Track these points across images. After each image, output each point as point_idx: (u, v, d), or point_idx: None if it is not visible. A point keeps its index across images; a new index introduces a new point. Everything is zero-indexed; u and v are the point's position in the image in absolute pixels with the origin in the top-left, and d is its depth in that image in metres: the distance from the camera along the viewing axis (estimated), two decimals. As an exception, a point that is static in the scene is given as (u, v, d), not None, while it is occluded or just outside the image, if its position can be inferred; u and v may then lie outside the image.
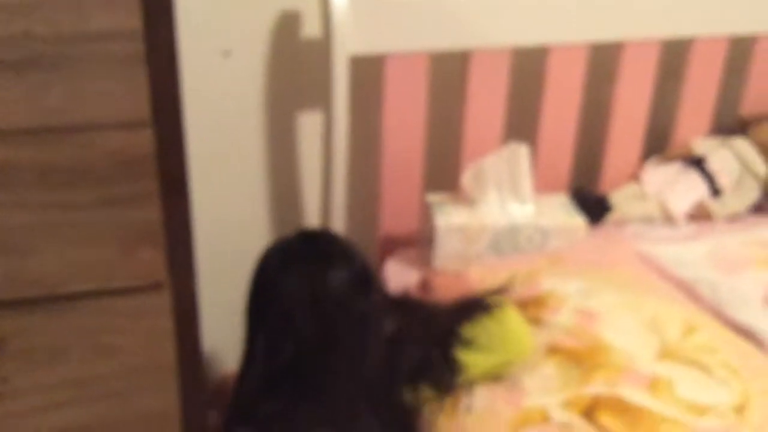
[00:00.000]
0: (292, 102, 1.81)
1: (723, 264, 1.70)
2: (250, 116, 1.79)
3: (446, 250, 1.70)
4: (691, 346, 1.44)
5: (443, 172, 1.87)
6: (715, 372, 1.39)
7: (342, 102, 1.65)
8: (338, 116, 1.66)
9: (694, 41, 1.90)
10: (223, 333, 1.51)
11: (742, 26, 1.91)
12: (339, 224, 1.77)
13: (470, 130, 1.81)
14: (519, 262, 1.68)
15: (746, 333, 1.55)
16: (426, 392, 1.35)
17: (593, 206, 1.85)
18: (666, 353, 1.42)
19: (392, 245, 1.84)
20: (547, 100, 1.85)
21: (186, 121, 1.10)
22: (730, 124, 2.05)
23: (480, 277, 1.61)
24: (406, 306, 1.47)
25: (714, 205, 1.92)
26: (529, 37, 1.77)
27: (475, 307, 1.42)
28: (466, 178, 1.73)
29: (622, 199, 1.91)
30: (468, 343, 1.37)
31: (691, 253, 1.74)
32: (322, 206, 1.82)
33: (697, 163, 1.95)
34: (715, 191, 1.93)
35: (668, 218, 1.90)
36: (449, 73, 1.79)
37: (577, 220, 1.75)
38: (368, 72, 1.74)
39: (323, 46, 1.63)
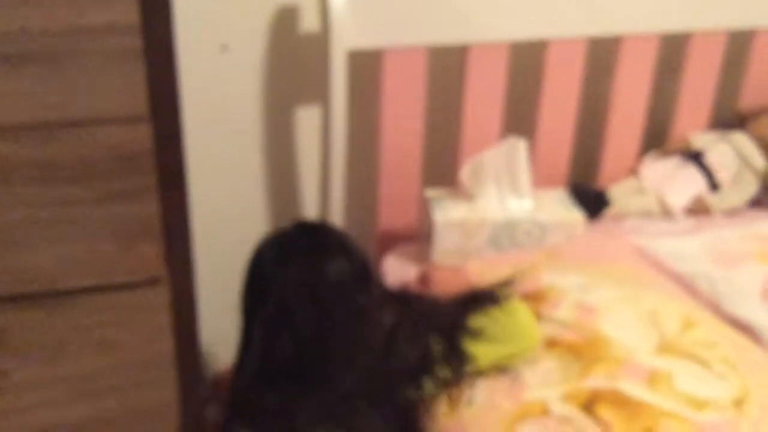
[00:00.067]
0: (290, 97, 1.81)
1: (721, 258, 1.70)
2: (248, 111, 1.79)
3: (445, 245, 1.70)
4: (690, 341, 1.45)
5: (441, 166, 1.87)
6: (714, 366, 1.40)
7: (340, 96, 1.65)
8: (336, 111, 1.66)
9: (693, 35, 1.90)
10: (222, 327, 1.51)
11: (741, 20, 1.91)
12: (337, 219, 1.77)
13: (468, 124, 1.81)
14: (517, 256, 1.68)
15: (744, 327, 1.55)
16: (427, 386, 1.35)
17: (591, 201, 1.85)
18: (665, 347, 1.43)
19: (390, 240, 1.84)
20: (546, 95, 1.84)
21: (184, 116, 1.10)
22: (728, 118, 2.05)
23: (478, 272, 1.61)
24: (405, 299, 1.46)
25: (712, 200, 1.93)
26: (528, 31, 1.76)
27: (483, 298, 1.42)
28: (465, 173, 1.73)
29: (620, 193, 1.91)
30: (476, 335, 1.36)
31: (689, 248, 1.74)
32: (321, 201, 1.82)
33: (696, 157, 1.95)
34: (714, 185, 1.94)
35: (666, 212, 1.90)
36: (447, 67, 1.79)
37: (576, 215, 1.75)
38: (366, 66, 1.74)
39: (321, 41, 1.63)
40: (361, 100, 1.78)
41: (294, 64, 1.77)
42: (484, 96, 1.79)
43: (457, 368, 1.35)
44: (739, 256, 1.71)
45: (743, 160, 1.96)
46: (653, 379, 1.35)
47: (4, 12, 0.96)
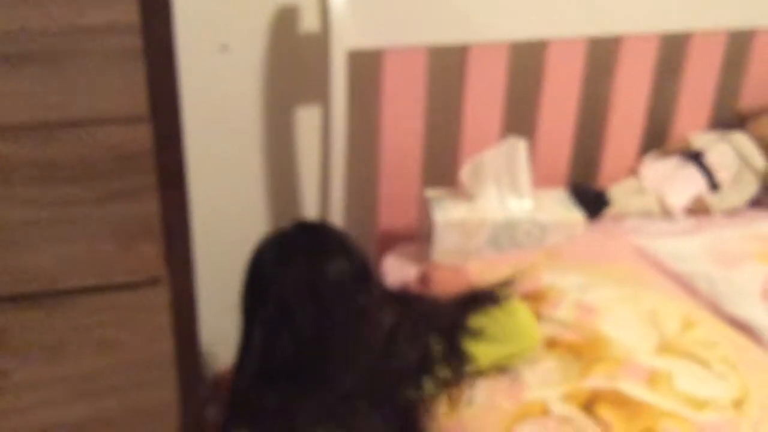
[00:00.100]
0: (290, 97, 1.81)
1: (721, 258, 1.70)
2: (248, 111, 1.79)
3: (445, 245, 1.70)
4: (690, 341, 1.45)
5: (441, 166, 1.87)
6: (714, 366, 1.40)
7: (340, 97, 1.65)
8: (336, 111, 1.66)
9: (693, 35, 1.90)
10: (222, 327, 1.51)
11: (741, 20, 1.91)
12: (337, 219, 1.77)
13: (468, 124, 1.81)
14: (517, 256, 1.68)
15: (744, 327, 1.55)
16: (427, 386, 1.34)
17: (591, 201, 1.85)
18: (665, 347, 1.42)
19: (390, 240, 1.84)
20: (546, 95, 1.84)
21: (184, 116, 1.10)
22: (728, 118, 2.05)
23: (478, 272, 1.61)
24: (405, 299, 1.46)
25: (712, 200, 1.93)
26: (528, 31, 1.76)
27: (483, 298, 1.42)
28: (465, 173, 1.72)
29: (620, 193, 1.91)
30: (476, 334, 1.36)
31: (689, 248, 1.74)
32: (321, 201, 1.82)
33: (696, 157, 1.95)
34: (714, 185, 1.94)
35: (666, 212, 1.90)
36: (447, 67, 1.79)
37: (576, 215, 1.75)
38: (366, 66, 1.73)
39: (321, 41, 1.63)
40: (361, 100, 1.78)
41: (294, 64, 1.77)
42: (484, 96, 1.79)
43: (457, 368, 1.35)
44: (739, 256, 1.71)
45: (743, 160, 1.96)
46: (653, 379, 1.35)
47: (3, 12, 0.96)
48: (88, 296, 1.12)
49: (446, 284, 1.59)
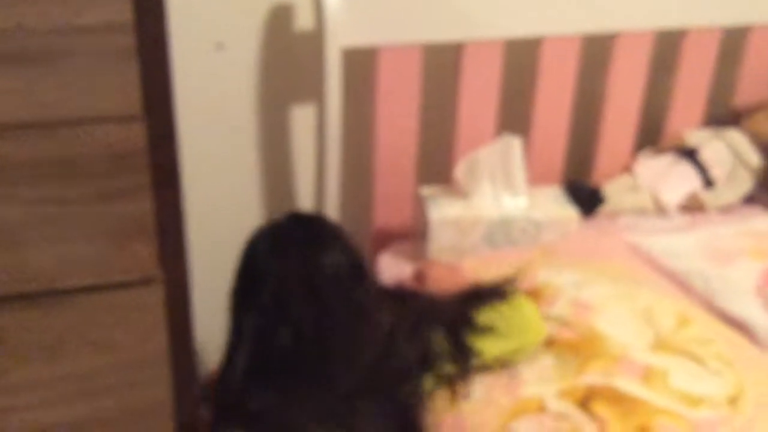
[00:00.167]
0: (285, 95, 1.81)
1: (715, 255, 1.71)
2: (242, 109, 1.78)
3: (440, 243, 1.70)
4: (685, 338, 1.45)
5: (436, 164, 1.87)
6: (709, 363, 1.40)
7: (335, 95, 1.65)
8: (331, 109, 1.66)
9: (687, 32, 1.91)
10: (216, 326, 1.51)
11: (735, 17, 1.91)
12: (332, 217, 1.76)
13: (463, 122, 1.81)
14: (512, 254, 1.68)
15: (739, 324, 1.56)
16: (428, 383, 1.34)
17: (586, 198, 1.85)
18: (660, 344, 1.43)
19: (386, 238, 1.84)
20: (541, 92, 1.84)
21: (178, 115, 1.09)
22: (723, 115, 2.05)
23: (474, 269, 1.61)
24: (401, 297, 1.46)
25: (707, 196, 1.93)
26: (522, 28, 1.76)
27: (488, 293, 1.42)
28: (460, 171, 1.73)
29: (615, 190, 1.91)
30: (483, 329, 1.36)
31: (683, 245, 1.75)
32: (316, 199, 1.82)
33: (690, 154, 1.95)
34: (708, 182, 1.94)
35: (661, 209, 1.91)
36: (442, 65, 1.79)
37: (570, 212, 1.75)
38: (361, 64, 1.73)
39: (316, 39, 1.63)
40: (355, 98, 1.78)
41: (289, 62, 1.77)
42: (479, 94, 1.79)
43: (463, 363, 1.35)
44: (733, 253, 1.71)
45: (737, 157, 1.96)
46: (648, 376, 1.36)
47: (0, 10, 0.96)
48: (84, 296, 1.12)
49: (442, 282, 1.59)
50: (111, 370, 1.17)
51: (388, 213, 1.84)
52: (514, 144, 1.70)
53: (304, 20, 1.73)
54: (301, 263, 1.28)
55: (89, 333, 1.14)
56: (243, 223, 1.84)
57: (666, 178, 1.92)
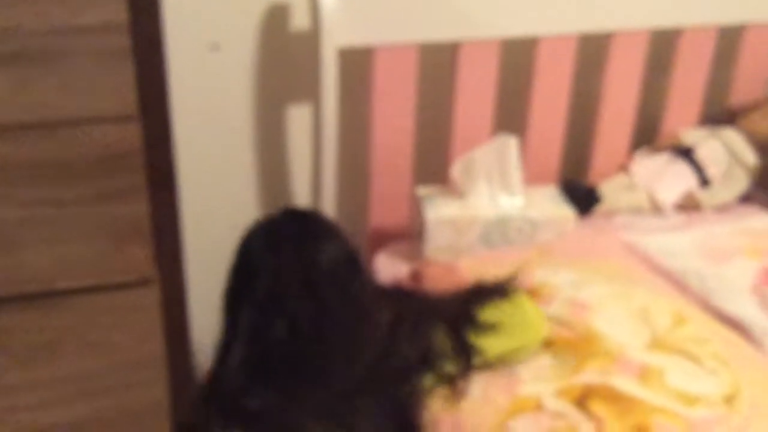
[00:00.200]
0: (281, 95, 1.80)
1: (711, 254, 1.71)
2: (238, 109, 1.78)
3: (436, 243, 1.70)
4: (681, 337, 1.45)
5: (433, 164, 1.87)
6: (705, 362, 1.40)
7: (331, 94, 1.65)
8: (327, 109, 1.66)
9: (683, 31, 1.91)
10: (213, 327, 1.50)
11: (731, 16, 1.91)
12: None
13: (459, 122, 1.81)
14: (509, 253, 1.68)
15: (734, 323, 1.56)
16: (428, 382, 1.34)
17: (582, 197, 1.85)
18: (656, 343, 1.43)
19: (382, 238, 1.84)
20: (536, 92, 1.84)
21: (174, 115, 1.09)
22: (718, 114, 2.06)
23: (470, 269, 1.61)
24: (398, 296, 1.46)
25: (702, 195, 1.93)
26: (518, 28, 1.76)
27: (490, 291, 1.41)
28: (456, 171, 1.73)
29: (611, 190, 1.91)
30: (484, 327, 1.36)
31: (679, 244, 1.75)
32: (312, 199, 1.82)
33: (686, 153, 1.95)
34: (704, 181, 1.94)
35: (657, 209, 1.91)
36: (438, 64, 1.79)
37: (567, 212, 1.75)
38: (357, 64, 1.73)
39: (312, 39, 1.63)
40: (352, 98, 1.78)
41: (285, 62, 1.77)
42: (475, 93, 1.79)
43: (465, 362, 1.34)
44: (729, 252, 1.71)
45: (733, 156, 1.96)
46: (645, 374, 1.36)
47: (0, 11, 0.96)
48: (81, 297, 1.12)
49: (438, 282, 1.59)
50: (109, 370, 1.17)
51: (384, 213, 1.84)
52: (510, 143, 1.70)
53: (299, 20, 1.73)
54: (296, 258, 1.27)
55: (87, 334, 1.14)
56: (239, 224, 1.84)
57: (662, 177, 1.92)
